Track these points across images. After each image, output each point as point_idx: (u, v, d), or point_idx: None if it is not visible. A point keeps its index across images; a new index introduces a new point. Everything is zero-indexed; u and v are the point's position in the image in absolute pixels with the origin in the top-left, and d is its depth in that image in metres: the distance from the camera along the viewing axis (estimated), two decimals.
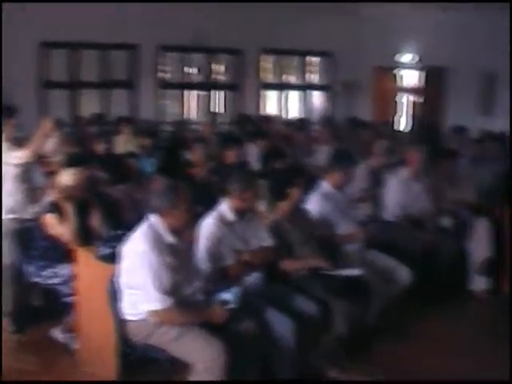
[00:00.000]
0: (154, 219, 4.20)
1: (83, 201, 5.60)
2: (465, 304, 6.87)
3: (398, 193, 6.92)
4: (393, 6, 13.16)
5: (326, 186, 5.92)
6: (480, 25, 12.51)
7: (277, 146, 8.45)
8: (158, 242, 4.09)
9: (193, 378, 4.03)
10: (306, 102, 15.87)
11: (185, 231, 4.39)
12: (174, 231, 4.20)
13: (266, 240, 4.99)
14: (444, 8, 12.64)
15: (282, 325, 4.53)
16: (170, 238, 4.16)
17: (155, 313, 4.04)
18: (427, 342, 5.81)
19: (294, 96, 15.83)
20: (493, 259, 6.95)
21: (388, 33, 14.42)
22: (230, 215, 4.83)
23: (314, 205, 5.77)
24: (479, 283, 6.98)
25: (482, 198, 7.64)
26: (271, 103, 15.37)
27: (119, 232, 4.91)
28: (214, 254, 4.67)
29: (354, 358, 5.26)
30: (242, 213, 4.87)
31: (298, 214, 5.44)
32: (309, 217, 5.57)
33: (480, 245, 6.91)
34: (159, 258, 4.03)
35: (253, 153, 9.09)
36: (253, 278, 4.84)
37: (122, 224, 5.75)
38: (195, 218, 4.68)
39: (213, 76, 14.56)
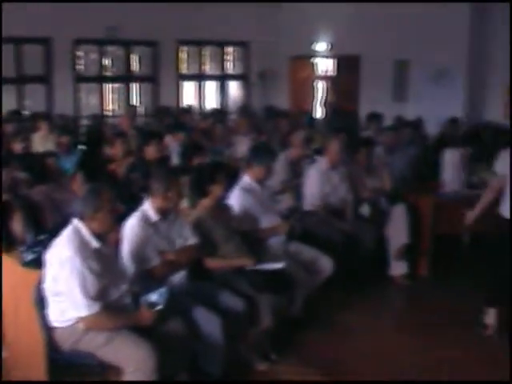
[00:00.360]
0: (77, 224, 4.16)
1: (4, 204, 5.50)
2: (385, 290, 7.07)
3: (317, 183, 6.99)
4: None
5: (247, 180, 5.97)
6: (392, 12, 12.80)
7: (196, 141, 8.45)
8: (82, 247, 4.06)
9: (124, 379, 4.05)
10: (223, 93, 15.88)
11: (109, 234, 4.39)
12: (98, 235, 4.19)
13: (190, 238, 5.00)
14: None
15: (209, 322, 4.57)
16: (94, 243, 4.14)
17: (83, 319, 4.03)
18: (349, 331, 5.98)
19: (211, 86, 15.82)
20: (410, 244, 7.15)
21: (303, 22, 14.63)
22: (154, 215, 4.81)
23: (235, 200, 5.81)
24: (398, 269, 7.17)
25: (398, 185, 7.86)
26: (189, 94, 15.34)
27: (43, 237, 4.86)
28: (139, 256, 4.66)
29: (280, 350, 5.37)
30: (165, 212, 4.87)
31: (221, 210, 5.47)
32: (231, 212, 5.61)
33: (397, 231, 7.10)
34: (84, 264, 4.00)
35: (172, 146, 9.11)
36: (178, 278, 4.88)
37: (44, 227, 5.69)
38: (119, 218, 4.67)
39: (130, 68, 14.43)
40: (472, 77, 11.90)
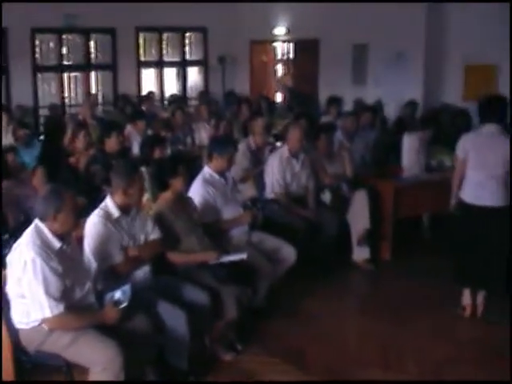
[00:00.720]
0: (39, 225, 4.14)
1: None
2: (348, 275, 7.17)
3: (278, 171, 7.03)
4: None
5: (208, 171, 5.97)
6: None
7: (156, 133, 8.43)
8: (44, 248, 4.04)
9: (91, 378, 4.07)
10: (183, 79, 15.82)
11: (71, 233, 4.38)
12: (61, 235, 4.17)
13: (153, 233, 5.01)
14: None
15: (174, 316, 4.59)
16: (56, 243, 4.12)
17: (47, 320, 4.02)
18: (313, 318, 6.05)
19: (171, 73, 15.74)
20: (372, 229, 7.24)
21: (262, 6, 14.63)
22: (115, 211, 4.78)
23: (197, 192, 5.82)
24: (361, 254, 7.27)
25: (359, 170, 7.93)
26: (149, 81, 15.24)
27: (5, 237, 4.83)
28: (102, 253, 4.65)
29: (245, 341, 5.43)
30: (126, 208, 4.85)
31: (182, 202, 5.48)
32: (193, 205, 5.62)
33: (359, 217, 7.19)
34: (47, 265, 3.99)
35: (133, 135, 9.09)
36: (142, 273, 4.88)
37: (6, 225, 5.66)
38: (81, 212, 4.65)
39: (89, 57, 14.25)
40: (430, 60, 11.93)
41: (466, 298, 6.03)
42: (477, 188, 5.75)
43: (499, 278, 5.88)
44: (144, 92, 14.40)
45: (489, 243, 5.80)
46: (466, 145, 5.82)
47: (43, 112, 12.72)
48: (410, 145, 7.62)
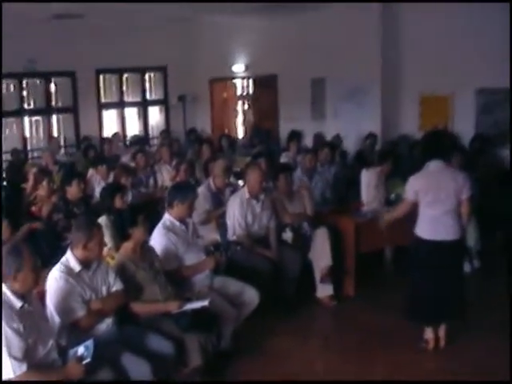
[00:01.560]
0: None
1: None
2: (313, 313, 7.21)
3: (239, 213, 7.10)
4: (223, 17, 13.53)
5: (168, 219, 6.01)
6: (306, 31, 13.08)
7: (116, 180, 8.45)
8: (5, 308, 4.05)
9: None
10: (144, 119, 15.88)
11: (32, 290, 4.39)
12: (22, 294, 4.17)
13: (115, 284, 5.05)
14: (270, 17, 13.10)
15: (138, 368, 4.60)
16: (17, 303, 4.12)
17: (12, 381, 4.02)
18: (280, 356, 6.08)
19: (132, 113, 15.80)
20: (334, 266, 7.31)
21: (220, 44, 14.84)
22: (76, 266, 4.81)
23: (158, 240, 5.86)
24: (324, 290, 7.32)
25: (320, 207, 8.03)
26: (111, 122, 15.27)
27: None
28: (64, 308, 4.67)
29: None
30: (87, 262, 4.88)
31: (144, 251, 5.51)
32: (154, 253, 5.66)
33: (321, 254, 7.25)
34: (9, 326, 3.99)
35: (96, 180, 9.13)
36: (105, 325, 4.91)
37: None
38: (43, 262, 4.66)
39: (50, 100, 14.24)
40: (386, 92, 12.09)
41: (428, 331, 6.12)
42: (432, 224, 5.85)
43: (456, 310, 6.00)
44: (106, 133, 14.44)
45: (445, 277, 5.90)
46: (415, 186, 5.91)
47: (6, 157, 12.65)
48: (368, 180, 7.75)
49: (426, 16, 11.58)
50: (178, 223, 6.00)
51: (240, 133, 16.04)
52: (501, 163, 10.89)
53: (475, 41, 11.15)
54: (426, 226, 5.90)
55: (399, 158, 9.41)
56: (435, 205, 5.81)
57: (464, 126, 11.56)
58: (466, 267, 8.04)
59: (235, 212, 7.13)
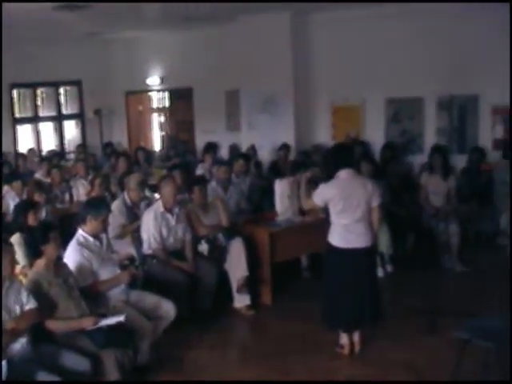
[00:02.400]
0: None
1: None
2: (231, 323, 7.28)
3: (154, 227, 7.13)
4: (137, 31, 13.52)
5: (81, 234, 5.98)
6: (217, 42, 13.30)
7: (29, 197, 8.34)
8: None
9: None
10: (60, 133, 15.68)
11: None
12: None
13: (29, 302, 4.99)
14: (184, 31, 13.18)
15: None
16: None
17: None
18: (199, 368, 6.12)
19: (48, 128, 15.58)
20: (251, 276, 7.41)
21: (135, 58, 14.87)
22: None
23: (71, 256, 5.83)
24: (241, 301, 7.41)
25: (235, 218, 8.12)
26: (26, 138, 15.02)
27: None
28: None
29: None
30: None
31: (57, 268, 5.47)
32: (68, 269, 5.63)
33: (237, 264, 7.34)
34: None
35: (10, 196, 9.00)
36: (20, 345, 4.85)
37: None
38: None
39: None
40: (299, 102, 12.26)
41: (343, 337, 6.25)
42: (343, 232, 5.98)
43: (370, 316, 6.16)
44: (21, 149, 14.20)
45: (359, 284, 6.05)
46: (325, 195, 6.04)
47: None
48: (281, 190, 7.87)
49: (336, 27, 11.87)
50: (91, 239, 5.97)
51: (157, 145, 16.00)
52: (409, 170, 11.26)
53: (385, 51, 11.50)
54: (338, 235, 6.02)
55: (311, 167, 9.58)
56: (346, 213, 5.94)
57: (375, 135, 11.90)
58: (380, 272, 8.29)
59: (150, 225, 7.16)
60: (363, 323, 6.22)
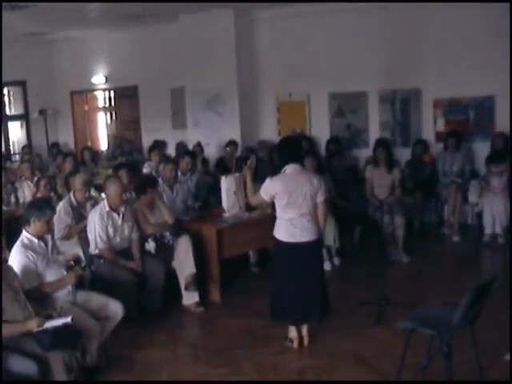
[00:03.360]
0: None
1: None
2: (180, 321, 7.29)
3: (100, 226, 7.10)
4: (81, 31, 13.41)
5: (26, 236, 5.88)
6: (162, 40, 13.27)
7: None
8: None
9: None
10: (5, 135, 15.42)
11: None
12: None
13: None
14: (128, 29, 13.12)
15: None
16: None
17: None
18: (150, 367, 6.09)
19: None
20: (199, 273, 7.43)
21: (80, 57, 14.73)
22: None
23: (16, 259, 5.74)
24: (190, 298, 7.42)
25: (182, 216, 8.14)
26: None
27: None
28: None
29: None
30: None
31: (2, 271, 5.41)
32: (13, 272, 5.56)
33: (184, 262, 7.37)
34: None
35: None
36: None
37: None
38: None
39: None
40: (245, 99, 12.30)
41: (292, 331, 6.30)
42: (289, 226, 6.03)
43: (317, 309, 6.23)
44: None
45: (305, 277, 6.11)
46: (272, 189, 6.06)
47: None
48: (227, 186, 7.89)
49: (279, 24, 11.95)
50: (36, 240, 5.89)
51: (103, 145, 15.88)
52: (355, 164, 11.41)
53: (328, 47, 11.64)
54: (284, 229, 6.07)
55: (259, 163, 9.64)
56: (292, 208, 5.99)
57: (320, 130, 12.02)
58: (327, 266, 8.40)
59: (96, 225, 7.12)
60: (311, 316, 6.29)
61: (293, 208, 6.00)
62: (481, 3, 10.00)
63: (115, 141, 14.69)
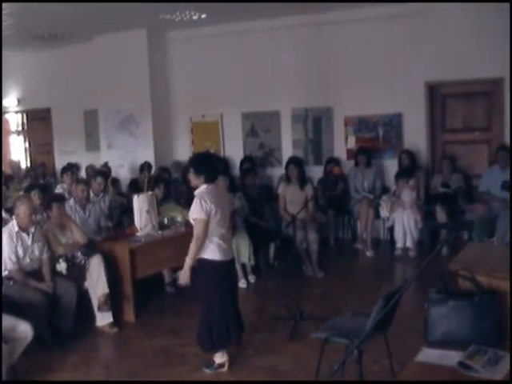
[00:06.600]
0: None
1: None
2: (94, 342, 7.14)
3: (9, 247, 6.93)
4: None
5: None
6: (73, 61, 13.19)
7: None
8: None
9: None
10: None
11: None
12: None
13: None
14: (38, 51, 12.96)
15: None
16: None
17: None
18: None
19: None
20: (112, 293, 7.33)
21: None
22: None
23: None
24: (104, 318, 7.30)
25: (94, 236, 8.05)
26: None
27: None
28: None
29: None
30: None
31: None
32: None
33: (97, 282, 7.25)
34: None
35: None
36: None
37: None
38: None
39: None
40: (158, 120, 12.34)
41: (221, 356, 6.06)
42: (221, 244, 5.81)
43: (242, 326, 6.19)
44: None
45: (234, 296, 6.05)
46: (206, 204, 5.70)
47: None
48: (140, 205, 7.86)
49: (192, 44, 12.04)
50: None
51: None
52: (267, 182, 11.55)
53: (240, 67, 11.77)
54: (216, 247, 5.79)
55: (171, 183, 9.68)
56: (223, 222, 5.84)
57: (234, 149, 12.12)
58: (243, 283, 8.45)
59: (5, 246, 6.94)
60: (235, 337, 6.10)
61: (224, 222, 5.86)
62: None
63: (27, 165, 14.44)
